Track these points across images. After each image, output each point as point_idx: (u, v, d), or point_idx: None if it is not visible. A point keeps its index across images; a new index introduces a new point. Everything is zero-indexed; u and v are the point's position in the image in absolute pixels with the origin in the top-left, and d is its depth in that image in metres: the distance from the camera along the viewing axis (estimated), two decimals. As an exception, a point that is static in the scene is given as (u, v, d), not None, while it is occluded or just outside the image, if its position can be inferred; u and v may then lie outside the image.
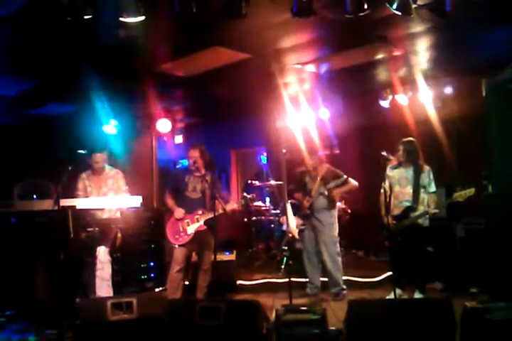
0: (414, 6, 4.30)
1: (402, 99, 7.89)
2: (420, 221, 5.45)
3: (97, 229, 5.25)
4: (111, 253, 5.54)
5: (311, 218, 6.18)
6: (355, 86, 7.97)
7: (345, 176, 6.14)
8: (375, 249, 8.18)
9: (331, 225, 6.16)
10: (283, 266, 7.31)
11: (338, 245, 6.22)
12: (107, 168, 5.71)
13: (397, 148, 5.65)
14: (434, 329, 3.42)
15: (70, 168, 4.78)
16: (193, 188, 5.83)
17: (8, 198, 5.74)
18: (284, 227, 7.34)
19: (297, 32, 5.58)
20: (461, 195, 5.14)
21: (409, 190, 5.53)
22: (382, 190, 5.49)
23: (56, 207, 4.29)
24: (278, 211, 8.13)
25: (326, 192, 6.11)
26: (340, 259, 6.20)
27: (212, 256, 5.47)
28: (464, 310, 3.47)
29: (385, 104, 8.08)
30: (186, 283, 6.30)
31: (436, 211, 5.38)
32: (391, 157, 5.53)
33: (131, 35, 5.08)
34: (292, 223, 6.41)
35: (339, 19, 4.83)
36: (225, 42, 5.79)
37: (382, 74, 7.46)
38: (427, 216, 5.44)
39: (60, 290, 5.19)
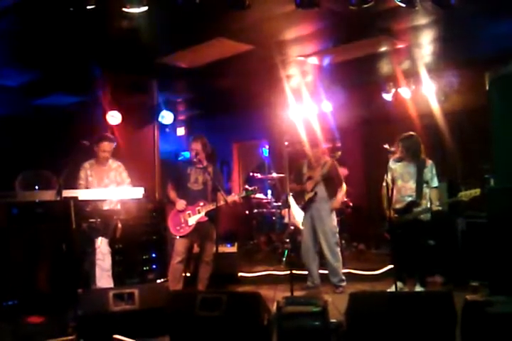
0: (418, -2, 4.29)
1: (405, 92, 7.87)
2: (422, 216, 5.45)
3: (98, 220, 5.26)
4: (111, 244, 5.56)
5: (310, 209, 6.19)
6: (358, 79, 7.95)
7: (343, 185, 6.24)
8: (377, 242, 8.18)
9: (329, 215, 6.17)
10: (284, 259, 7.33)
11: (337, 235, 6.23)
12: (110, 159, 5.71)
13: (397, 144, 5.62)
14: (435, 322, 3.42)
15: (72, 158, 4.78)
16: (194, 180, 5.84)
17: (10, 189, 5.74)
18: (286, 220, 7.37)
19: (300, 24, 5.56)
20: (466, 194, 5.13)
21: (412, 184, 5.51)
22: (384, 183, 5.48)
23: (58, 198, 4.29)
24: (279, 203, 8.14)
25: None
26: (339, 249, 6.22)
27: (214, 248, 5.49)
28: (465, 303, 3.47)
29: (387, 97, 8.06)
30: (188, 274, 6.33)
31: (439, 208, 5.38)
32: (393, 149, 5.51)
33: (134, 26, 5.06)
34: (297, 214, 6.43)
35: (343, 11, 4.81)
36: (228, 34, 5.77)
37: (385, 67, 7.44)
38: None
39: (62, 281, 5.22)
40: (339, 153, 6.23)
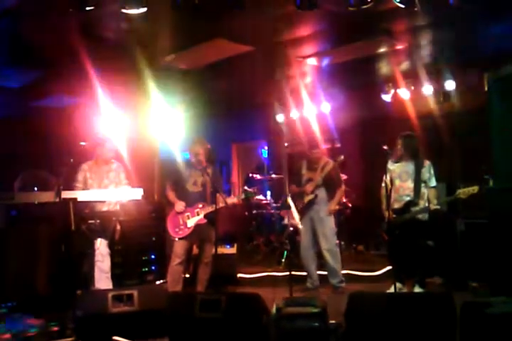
0: (417, -2, 4.29)
1: (404, 93, 7.87)
2: (420, 216, 5.44)
3: (97, 221, 5.25)
4: (110, 246, 5.55)
5: (309, 210, 6.18)
6: (357, 79, 7.95)
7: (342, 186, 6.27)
8: (376, 243, 8.18)
9: (329, 217, 6.17)
10: (283, 260, 7.33)
11: (336, 236, 6.23)
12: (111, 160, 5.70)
13: (397, 142, 5.64)
14: (434, 323, 3.42)
15: (71, 160, 4.78)
16: (193, 181, 5.82)
17: (9, 190, 5.74)
18: (285, 221, 7.36)
19: (300, 25, 5.56)
20: (464, 192, 5.12)
21: (410, 184, 5.51)
22: (383, 184, 5.49)
23: (57, 199, 4.28)
24: (279, 204, 8.14)
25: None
26: (338, 250, 6.23)
27: (213, 249, 5.47)
28: (464, 304, 3.46)
29: (386, 97, 8.06)
30: (187, 276, 6.32)
31: (438, 207, 5.38)
32: (392, 152, 5.52)
33: (133, 27, 5.06)
34: (296, 215, 6.41)
35: (342, 12, 4.81)
36: (227, 35, 5.76)
37: (384, 67, 7.44)
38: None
39: (61, 282, 5.21)
40: (342, 157, 6.21)
